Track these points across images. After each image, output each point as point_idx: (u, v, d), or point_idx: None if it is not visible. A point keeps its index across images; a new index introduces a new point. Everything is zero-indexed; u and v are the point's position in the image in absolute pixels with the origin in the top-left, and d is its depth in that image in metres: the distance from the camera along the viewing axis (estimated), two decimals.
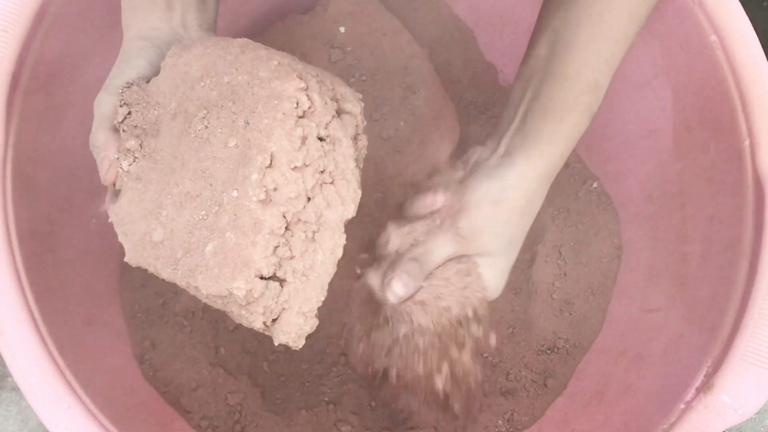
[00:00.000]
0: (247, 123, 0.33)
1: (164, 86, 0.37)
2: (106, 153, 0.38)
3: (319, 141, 0.34)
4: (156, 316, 0.57)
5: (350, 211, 0.35)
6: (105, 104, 0.38)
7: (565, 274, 0.62)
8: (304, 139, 0.33)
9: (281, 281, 0.34)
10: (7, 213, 0.42)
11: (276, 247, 0.33)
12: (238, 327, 0.58)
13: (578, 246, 0.62)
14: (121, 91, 0.38)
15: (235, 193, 0.33)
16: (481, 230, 0.40)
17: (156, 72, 0.39)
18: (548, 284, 0.61)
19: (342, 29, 0.64)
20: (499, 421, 0.58)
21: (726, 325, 0.46)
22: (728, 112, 0.49)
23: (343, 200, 0.35)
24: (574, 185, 0.64)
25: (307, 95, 0.34)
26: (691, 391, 0.44)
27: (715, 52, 0.49)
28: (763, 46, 0.48)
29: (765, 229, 0.45)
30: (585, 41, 0.41)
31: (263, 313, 0.34)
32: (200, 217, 0.34)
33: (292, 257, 0.34)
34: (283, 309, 0.35)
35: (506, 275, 0.42)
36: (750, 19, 0.48)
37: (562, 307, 0.61)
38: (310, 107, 0.34)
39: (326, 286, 0.36)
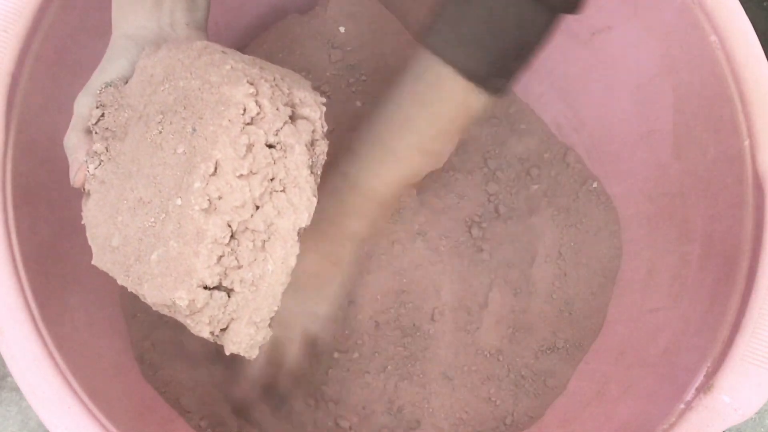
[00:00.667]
0: (194, 129, 0.33)
1: (136, 88, 0.37)
2: (76, 155, 0.37)
3: (268, 148, 0.33)
4: (156, 316, 0.57)
5: (303, 219, 0.34)
6: (82, 105, 0.38)
7: (565, 274, 0.62)
8: (250, 147, 0.32)
9: (228, 291, 0.34)
10: (7, 213, 0.42)
11: (220, 257, 0.32)
12: None
13: (578, 246, 0.62)
14: (99, 92, 0.37)
15: (179, 201, 0.32)
16: None
17: None
18: (548, 284, 0.61)
19: (342, 29, 0.64)
20: (499, 421, 0.58)
21: (726, 325, 0.46)
22: (728, 112, 0.49)
23: (296, 208, 0.34)
24: (574, 185, 0.64)
25: (256, 101, 0.33)
26: (691, 391, 0.44)
27: (715, 52, 0.49)
28: (763, 46, 0.48)
29: (765, 229, 0.45)
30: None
31: (209, 323, 0.34)
32: (149, 224, 0.33)
33: (239, 267, 0.33)
34: (232, 319, 0.34)
35: None
36: (750, 19, 0.48)
37: (562, 307, 0.61)
38: (258, 113, 0.33)
39: (279, 296, 0.35)
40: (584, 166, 0.64)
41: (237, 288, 0.34)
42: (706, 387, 0.43)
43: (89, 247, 0.53)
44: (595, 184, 0.64)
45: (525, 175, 0.65)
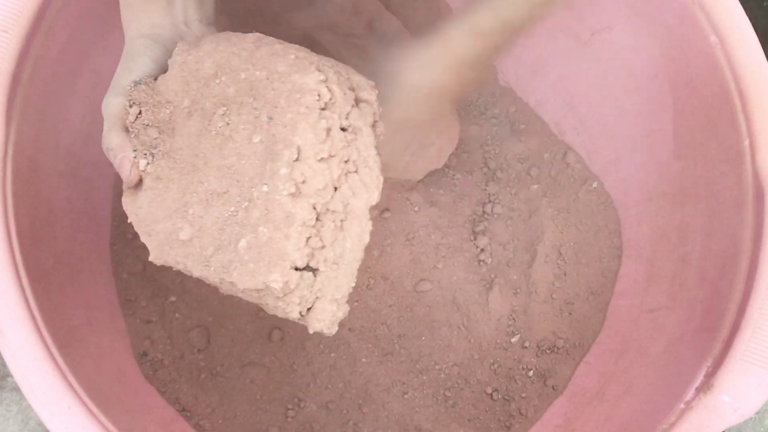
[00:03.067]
0: (271, 118, 0.34)
1: (174, 84, 0.37)
2: (125, 153, 0.37)
3: (341, 131, 0.35)
4: (156, 316, 0.57)
5: (374, 198, 0.36)
6: (113, 105, 0.38)
7: (565, 274, 0.62)
8: (328, 131, 0.34)
9: (314, 271, 0.35)
10: (7, 213, 0.42)
11: (308, 238, 0.34)
12: (235, 325, 0.58)
13: (578, 246, 0.62)
14: (129, 90, 0.38)
15: (265, 188, 0.33)
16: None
17: (162, 70, 0.39)
18: (548, 284, 0.61)
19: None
20: (500, 422, 0.58)
21: (726, 325, 0.46)
22: (728, 112, 0.49)
23: (367, 187, 0.36)
24: (574, 185, 0.64)
25: (327, 87, 0.34)
26: (691, 391, 0.44)
27: (715, 52, 0.49)
28: (763, 46, 0.48)
29: (765, 229, 0.45)
30: None
31: (299, 303, 0.35)
32: (229, 213, 0.34)
33: (323, 247, 0.35)
34: (317, 298, 0.36)
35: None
36: (750, 19, 0.48)
37: (562, 307, 0.61)
38: (331, 99, 0.34)
39: (356, 273, 0.37)
40: (584, 166, 0.64)
41: (322, 267, 0.35)
42: (705, 387, 0.43)
43: (89, 248, 0.53)
44: (595, 184, 0.64)
45: (525, 175, 0.65)
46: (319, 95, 0.34)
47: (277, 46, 0.36)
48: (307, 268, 0.35)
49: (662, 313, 0.54)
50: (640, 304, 0.58)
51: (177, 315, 0.57)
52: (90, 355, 0.47)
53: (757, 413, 0.68)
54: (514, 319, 0.61)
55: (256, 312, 0.58)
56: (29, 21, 0.44)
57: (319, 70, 0.34)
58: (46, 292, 0.44)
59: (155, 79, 0.38)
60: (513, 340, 0.60)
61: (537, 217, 0.63)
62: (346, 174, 0.35)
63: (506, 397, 0.59)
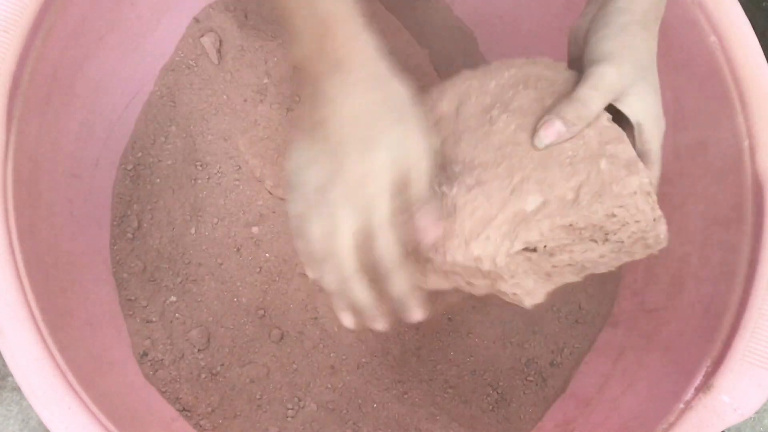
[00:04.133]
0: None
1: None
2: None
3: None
4: (156, 316, 0.57)
5: None
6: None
7: None
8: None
9: None
10: (8, 213, 0.42)
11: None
12: (234, 325, 0.58)
13: None
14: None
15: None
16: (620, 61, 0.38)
17: None
18: (556, 286, 0.61)
19: None
20: (500, 422, 0.58)
21: (726, 325, 0.46)
22: (728, 113, 0.49)
23: None
24: None
25: None
26: (691, 391, 0.44)
27: (715, 52, 0.49)
28: (763, 46, 0.48)
29: (765, 229, 0.45)
30: None
31: None
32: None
33: None
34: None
35: (659, 98, 0.40)
36: (749, 19, 0.48)
37: (563, 308, 0.61)
38: None
39: None
40: None
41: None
42: (705, 387, 0.43)
43: (89, 248, 0.53)
44: None
45: None
46: None
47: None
48: None
49: (662, 313, 0.54)
50: (640, 304, 0.58)
51: (177, 315, 0.57)
52: (90, 355, 0.47)
53: (756, 413, 0.68)
54: (513, 319, 0.61)
55: (256, 312, 0.58)
56: (29, 21, 0.44)
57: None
58: (46, 292, 0.44)
59: None
60: (513, 340, 0.60)
61: None
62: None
63: (506, 398, 0.59)
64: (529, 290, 0.40)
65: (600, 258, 0.40)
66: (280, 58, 0.61)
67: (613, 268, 0.41)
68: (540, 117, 0.39)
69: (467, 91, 0.41)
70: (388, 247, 0.36)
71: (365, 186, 0.35)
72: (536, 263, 0.39)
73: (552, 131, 0.38)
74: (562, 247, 0.39)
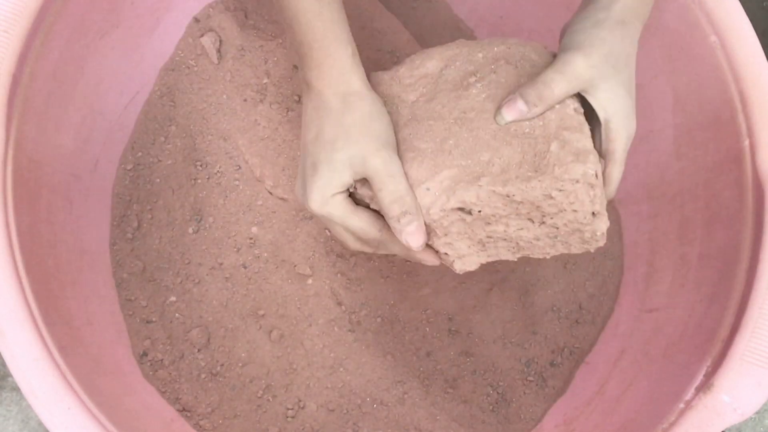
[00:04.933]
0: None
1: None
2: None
3: None
4: (156, 316, 0.57)
5: None
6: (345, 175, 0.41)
7: (566, 275, 0.62)
8: None
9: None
10: (8, 213, 0.42)
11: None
12: (235, 325, 0.58)
13: None
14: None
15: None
16: (588, 54, 0.40)
17: None
18: (549, 285, 0.61)
19: None
20: (500, 422, 0.58)
21: (726, 325, 0.46)
22: (728, 112, 0.49)
23: None
24: None
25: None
26: (691, 391, 0.44)
27: (715, 52, 0.49)
28: (763, 46, 0.48)
29: (765, 229, 0.45)
30: None
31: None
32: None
33: None
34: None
35: (632, 99, 0.42)
36: (750, 19, 0.48)
37: (563, 308, 0.61)
38: None
39: None
40: None
41: None
42: (705, 386, 0.43)
43: (89, 247, 0.53)
44: None
45: None
46: None
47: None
48: None
49: (662, 313, 0.54)
50: (640, 304, 0.58)
51: (177, 315, 0.57)
52: (90, 355, 0.47)
53: (756, 413, 0.68)
54: (514, 319, 0.61)
55: (256, 312, 0.58)
56: (29, 21, 0.44)
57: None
58: (46, 292, 0.44)
59: None
60: (513, 340, 0.60)
61: None
62: None
63: (506, 398, 0.59)
64: (461, 254, 0.42)
65: (535, 240, 0.42)
66: (280, 58, 0.61)
67: (547, 257, 0.43)
68: (511, 92, 0.40)
69: (454, 57, 0.44)
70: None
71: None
72: (470, 227, 0.41)
73: (513, 109, 0.39)
74: (498, 217, 0.40)
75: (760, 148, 0.47)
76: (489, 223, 0.41)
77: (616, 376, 0.55)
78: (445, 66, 0.44)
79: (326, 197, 0.41)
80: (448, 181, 0.39)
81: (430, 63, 0.44)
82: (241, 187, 0.60)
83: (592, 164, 0.38)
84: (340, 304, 0.59)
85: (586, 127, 0.40)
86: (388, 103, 0.44)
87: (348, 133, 0.40)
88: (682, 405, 0.44)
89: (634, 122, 0.41)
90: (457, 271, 0.43)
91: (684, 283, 0.53)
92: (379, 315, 0.60)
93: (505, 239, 0.42)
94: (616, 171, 0.41)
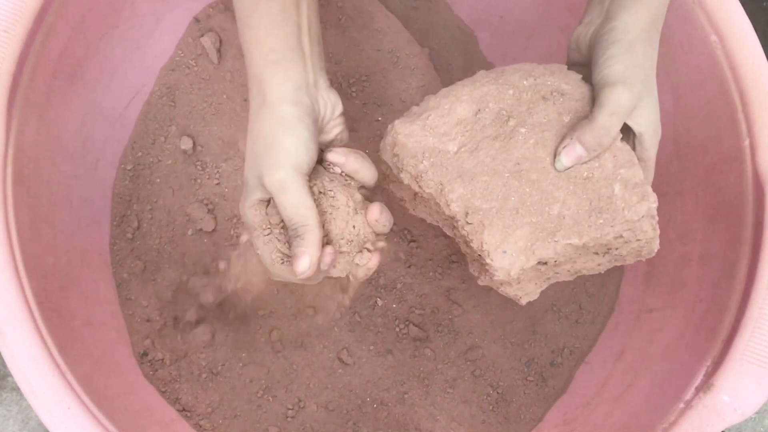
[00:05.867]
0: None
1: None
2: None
3: None
4: (156, 315, 0.57)
5: None
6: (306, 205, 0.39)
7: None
8: None
9: None
10: (8, 213, 0.42)
11: None
12: (235, 325, 0.58)
13: None
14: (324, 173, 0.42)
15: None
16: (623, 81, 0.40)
17: (313, 137, 0.40)
18: (549, 286, 0.61)
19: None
20: (500, 422, 0.58)
21: (726, 325, 0.46)
22: (728, 112, 0.49)
23: None
24: None
25: None
26: (691, 391, 0.44)
27: (715, 52, 0.49)
28: (763, 46, 0.48)
29: (765, 229, 0.45)
30: None
31: None
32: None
33: None
34: None
35: (658, 106, 0.42)
36: (750, 19, 0.48)
37: (563, 308, 0.61)
38: None
39: None
40: None
41: None
42: (705, 386, 0.43)
43: (89, 248, 0.53)
44: None
45: None
46: None
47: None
48: None
49: (662, 313, 0.54)
50: (640, 304, 0.58)
51: (177, 315, 0.57)
52: (90, 355, 0.47)
53: (757, 413, 0.68)
54: (514, 319, 0.61)
55: (256, 312, 0.58)
56: (29, 21, 0.44)
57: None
58: (46, 292, 0.44)
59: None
60: (513, 340, 0.60)
61: None
62: None
63: (506, 398, 0.59)
64: (528, 292, 0.44)
65: (597, 266, 0.43)
66: None
67: (602, 271, 0.44)
68: (558, 133, 0.40)
69: (484, 98, 0.42)
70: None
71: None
72: (543, 273, 0.42)
73: (573, 156, 0.39)
74: (569, 260, 0.41)
75: (760, 148, 0.47)
76: (559, 265, 0.42)
77: (616, 376, 0.55)
78: (478, 110, 0.42)
79: (243, 208, 0.41)
80: (522, 241, 0.39)
81: (460, 107, 0.42)
82: (240, 187, 0.60)
83: (652, 197, 0.39)
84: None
85: (635, 158, 0.41)
86: (428, 156, 0.41)
87: (253, 150, 0.39)
88: (682, 405, 0.44)
89: (660, 127, 0.42)
90: (522, 304, 0.44)
91: (684, 283, 0.53)
92: (380, 315, 0.60)
93: (570, 272, 0.44)
94: (650, 175, 0.43)
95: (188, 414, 0.54)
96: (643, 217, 0.39)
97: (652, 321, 0.55)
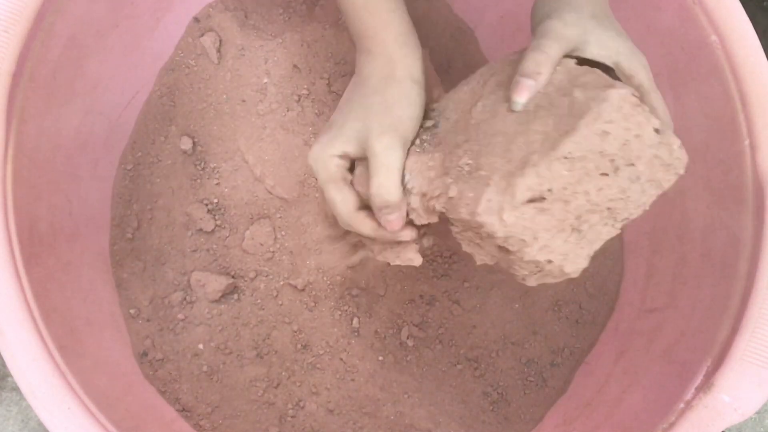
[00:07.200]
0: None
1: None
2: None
3: None
4: (156, 315, 0.57)
5: None
6: (397, 158, 0.40)
7: None
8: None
9: None
10: (7, 213, 0.42)
11: None
12: (235, 325, 0.58)
13: None
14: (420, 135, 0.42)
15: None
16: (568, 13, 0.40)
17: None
18: (548, 286, 0.61)
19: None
20: (500, 422, 0.58)
21: (726, 325, 0.46)
22: (728, 112, 0.49)
23: None
24: None
25: None
26: (691, 391, 0.44)
27: (715, 52, 0.49)
28: (763, 46, 0.48)
29: (765, 229, 0.45)
30: None
31: None
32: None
33: None
34: None
35: (625, 38, 0.41)
36: (750, 19, 0.48)
37: (563, 308, 0.61)
38: None
39: None
40: None
41: None
42: (705, 386, 0.43)
43: (89, 248, 0.53)
44: None
45: None
46: None
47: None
48: None
49: (662, 313, 0.54)
50: (640, 304, 0.58)
51: (177, 315, 0.57)
52: (90, 355, 0.47)
53: (757, 413, 0.68)
54: (514, 319, 0.61)
55: (257, 312, 0.58)
56: (29, 21, 0.44)
57: None
58: (46, 292, 0.44)
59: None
60: (513, 340, 0.60)
61: None
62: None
63: (506, 398, 0.59)
64: (563, 252, 0.36)
65: (623, 195, 0.36)
66: (280, 58, 0.61)
67: (647, 207, 0.37)
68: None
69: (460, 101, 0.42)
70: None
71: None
72: (552, 215, 0.35)
73: (522, 89, 0.38)
74: (572, 188, 0.35)
75: (760, 148, 0.47)
76: (567, 201, 0.35)
77: (616, 376, 0.55)
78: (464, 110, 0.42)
79: (323, 154, 0.41)
80: (503, 183, 0.35)
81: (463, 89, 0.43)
82: (240, 187, 0.60)
83: (621, 86, 0.35)
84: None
85: (597, 69, 0.37)
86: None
87: (368, 108, 0.41)
88: (682, 405, 0.44)
89: (642, 56, 0.40)
90: (573, 275, 0.37)
91: (684, 283, 0.53)
92: (380, 315, 0.60)
93: (593, 210, 0.36)
94: (654, 99, 0.40)
95: (188, 414, 0.54)
96: (619, 106, 0.34)
97: (652, 321, 0.55)
